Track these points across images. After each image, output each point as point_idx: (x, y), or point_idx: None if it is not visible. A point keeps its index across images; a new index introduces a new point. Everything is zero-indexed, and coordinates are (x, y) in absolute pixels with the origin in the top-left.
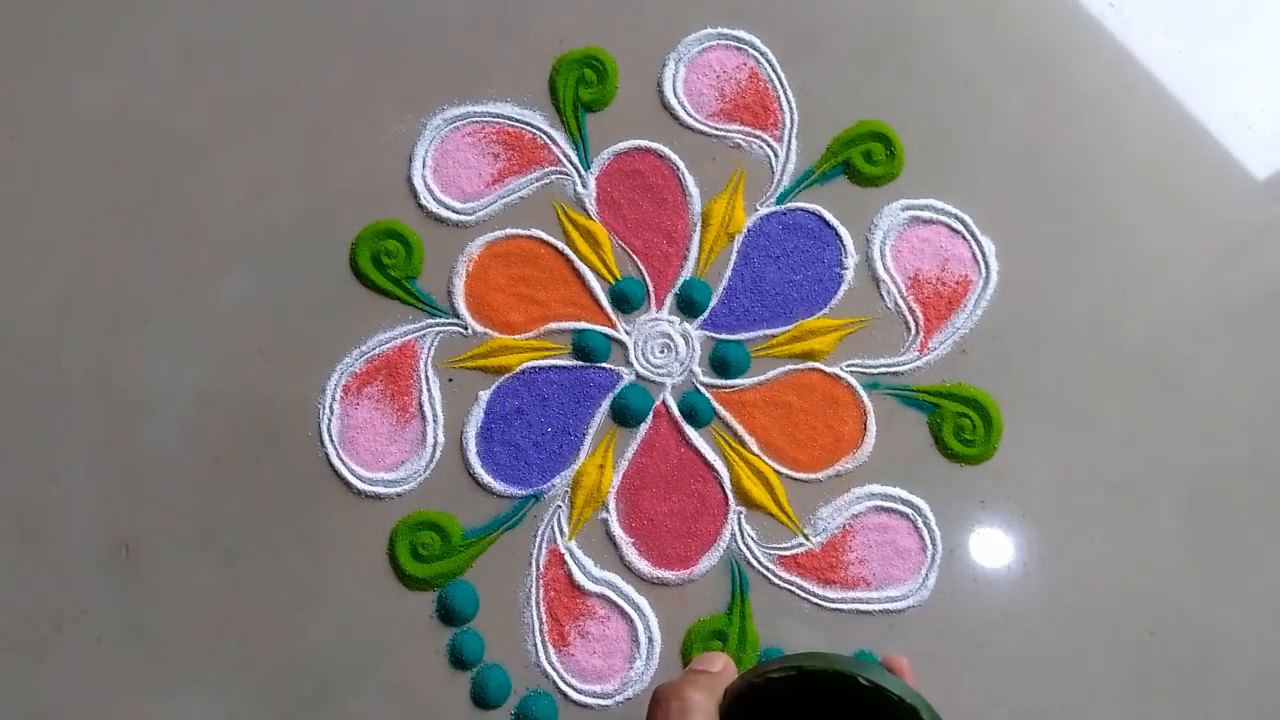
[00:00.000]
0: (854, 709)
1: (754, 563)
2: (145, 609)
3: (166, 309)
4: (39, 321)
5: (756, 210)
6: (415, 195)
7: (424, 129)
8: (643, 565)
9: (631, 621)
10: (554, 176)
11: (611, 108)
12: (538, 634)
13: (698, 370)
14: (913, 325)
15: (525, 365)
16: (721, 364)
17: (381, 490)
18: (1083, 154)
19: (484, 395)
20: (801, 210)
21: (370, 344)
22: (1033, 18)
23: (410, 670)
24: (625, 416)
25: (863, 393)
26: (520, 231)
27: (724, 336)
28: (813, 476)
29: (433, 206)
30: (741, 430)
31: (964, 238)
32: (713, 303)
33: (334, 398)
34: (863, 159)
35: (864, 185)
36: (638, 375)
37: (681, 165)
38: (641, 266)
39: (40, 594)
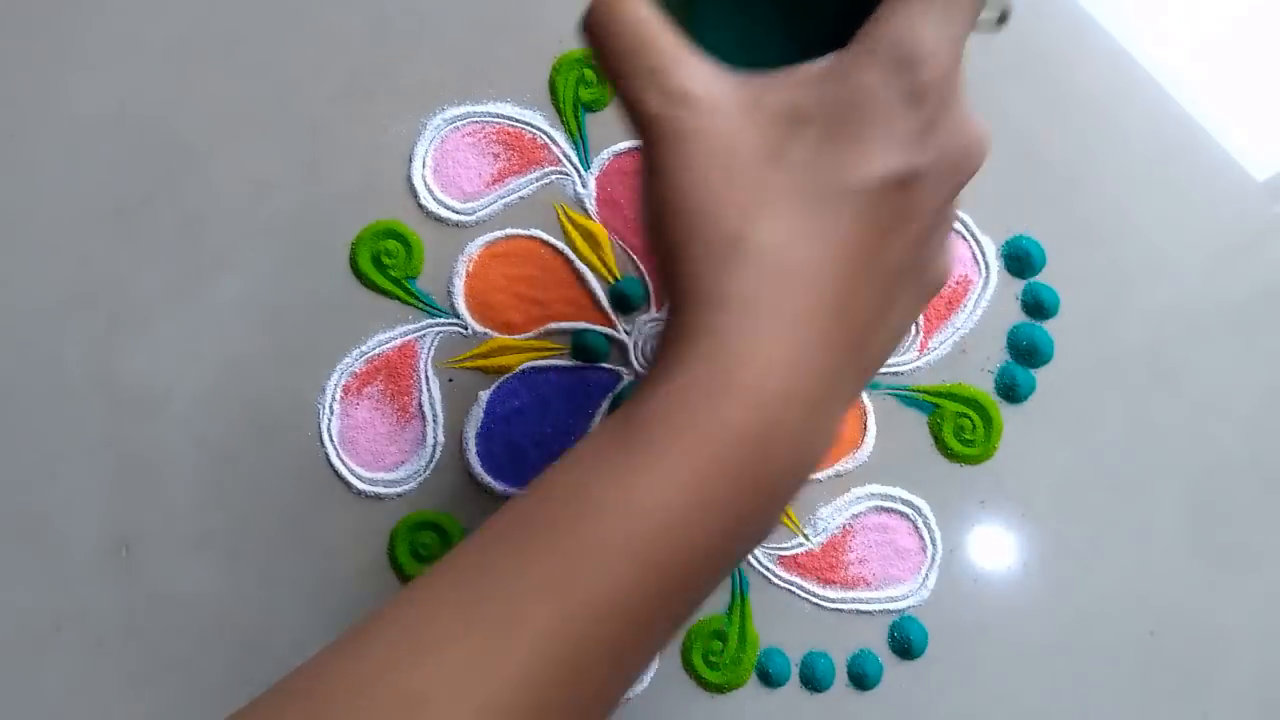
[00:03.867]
0: None
1: (754, 563)
2: (145, 609)
3: (166, 309)
4: (39, 321)
5: None
6: (415, 195)
7: (424, 129)
8: None
9: None
10: (554, 176)
11: (611, 108)
12: None
13: None
14: (912, 325)
15: (525, 365)
16: None
17: (381, 490)
18: (1083, 154)
19: (484, 395)
20: None
21: (370, 344)
22: (1033, 18)
23: None
24: None
25: (862, 393)
26: (520, 231)
27: None
28: (812, 476)
29: (433, 206)
30: None
31: (964, 238)
32: None
33: (334, 398)
34: None
35: None
36: (638, 375)
37: None
38: (641, 266)
39: (40, 594)
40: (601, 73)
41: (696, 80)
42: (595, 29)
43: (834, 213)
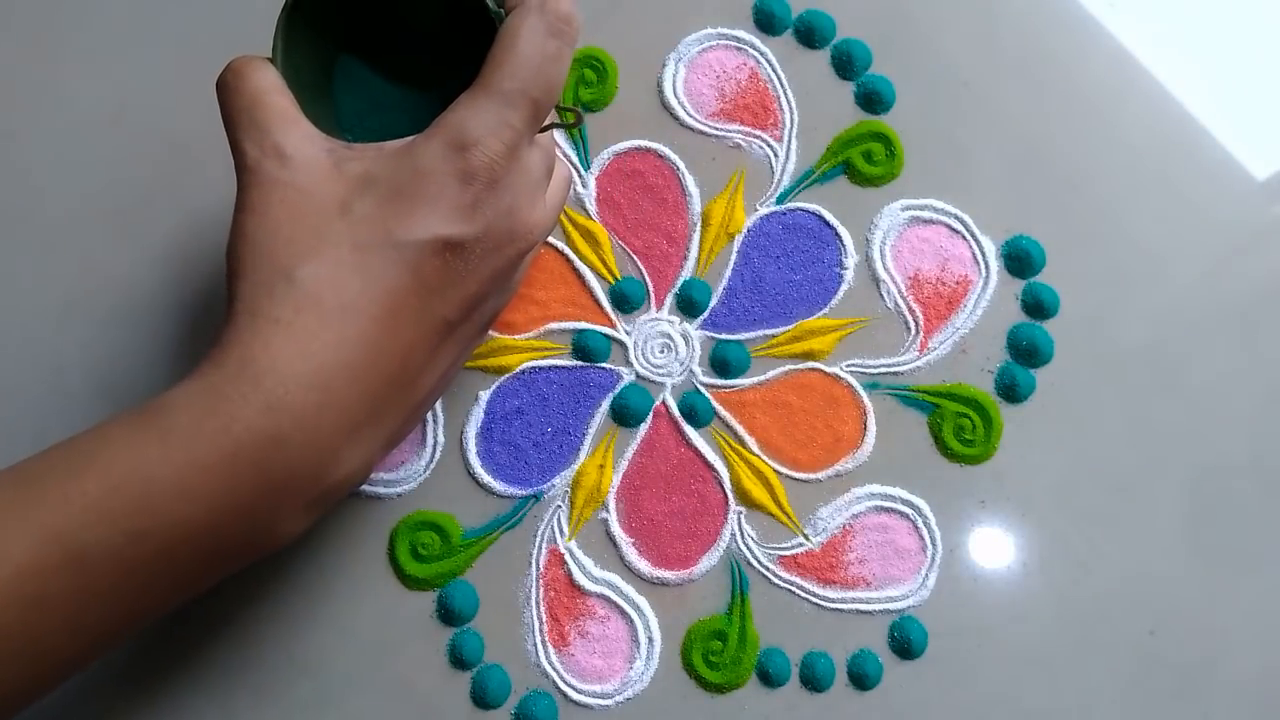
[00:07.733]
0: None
1: (754, 563)
2: None
3: (166, 309)
4: (39, 321)
5: (756, 210)
6: None
7: None
8: (643, 565)
9: (631, 621)
10: None
11: (611, 108)
12: (538, 634)
13: (698, 370)
14: (913, 325)
15: (525, 365)
16: (721, 364)
17: (381, 490)
18: (1083, 154)
19: (484, 395)
20: (801, 210)
21: None
22: (1033, 18)
23: (410, 670)
24: (625, 416)
25: (863, 393)
26: None
27: (724, 336)
28: (813, 476)
29: None
30: (741, 430)
31: (964, 238)
32: (713, 303)
33: None
34: (863, 159)
35: (864, 185)
36: (638, 375)
37: (681, 165)
38: (641, 266)
39: None
40: (224, 123)
41: (291, 140)
42: (222, 87)
43: (381, 262)
